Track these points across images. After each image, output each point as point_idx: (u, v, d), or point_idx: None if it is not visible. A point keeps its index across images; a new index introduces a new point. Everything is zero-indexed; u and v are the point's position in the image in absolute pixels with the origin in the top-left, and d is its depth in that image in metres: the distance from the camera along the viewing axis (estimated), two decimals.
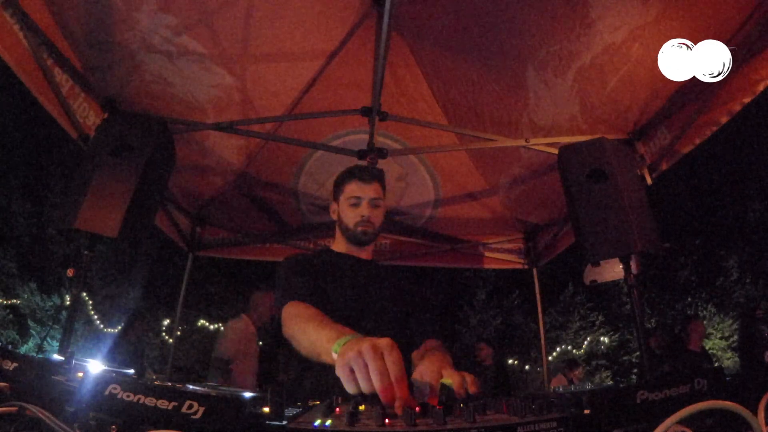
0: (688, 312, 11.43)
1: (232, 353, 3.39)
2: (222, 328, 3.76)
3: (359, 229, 1.51)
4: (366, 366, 0.73)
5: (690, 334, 4.26)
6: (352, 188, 1.53)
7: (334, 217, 1.62)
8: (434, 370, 0.93)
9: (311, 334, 1.08)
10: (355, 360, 0.75)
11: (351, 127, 2.96)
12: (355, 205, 1.52)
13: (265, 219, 3.79)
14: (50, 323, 8.79)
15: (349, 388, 0.76)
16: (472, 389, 0.86)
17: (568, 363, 6.28)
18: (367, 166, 1.66)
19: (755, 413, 0.56)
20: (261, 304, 3.66)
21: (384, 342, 0.76)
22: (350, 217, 1.52)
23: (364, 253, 1.59)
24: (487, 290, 12.36)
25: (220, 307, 10.44)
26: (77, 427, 0.59)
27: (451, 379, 0.88)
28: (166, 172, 2.14)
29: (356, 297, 1.46)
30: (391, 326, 1.44)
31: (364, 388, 0.73)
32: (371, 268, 1.58)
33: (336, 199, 1.60)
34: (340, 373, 0.77)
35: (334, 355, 0.85)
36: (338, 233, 1.62)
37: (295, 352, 1.20)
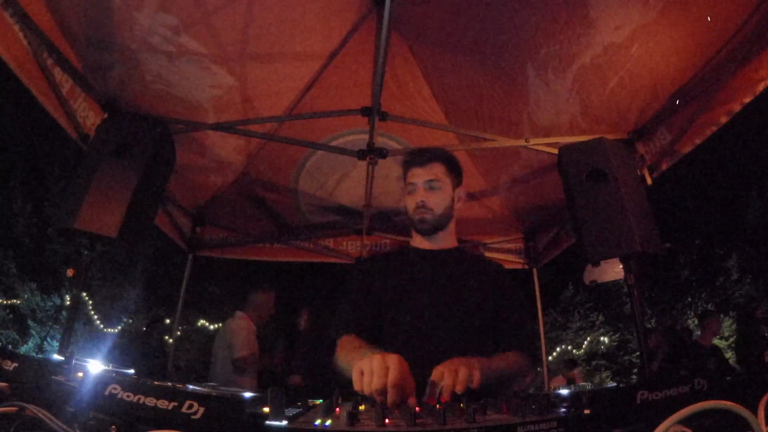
0: (688, 312, 11.44)
1: (249, 353, 3.35)
2: (224, 327, 3.64)
3: (416, 217, 1.45)
4: (372, 371, 0.86)
5: (704, 329, 4.29)
6: (410, 174, 1.47)
7: (405, 209, 1.55)
8: (439, 371, 0.94)
9: (350, 358, 1.18)
10: (365, 365, 0.89)
11: (351, 127, 2.96)
12: (411, 192, 1.46)
13: (265, 219, 3.79)
14: (50, 323, 8.79)
15: (355, 386, 0.89)
16: (456, 387, 0.89)
17: (566, 363, 6.29)
18: (427, 148, 1.53)
19: (755, 413, 0.56)
20: (262, 304, 3.61)
21: (393, 356, 0.89)
22: (409, 205, 1.48)
23: (442, 243, 1.49)
24: None
25: (220, 307, 10.44)
26: (77, 427, 0.59)
27: (445, 379, 0.90)
28: (166, 172, 2.14)
29: (416, 296, 1.39)
30: (457, 323, 1.35)
31: (365, 389, 0.86)
32: (445, 259, 1.47)
33: (403, 189, 1.55)
34: (353, 374, 0.91)
35: None
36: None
37: None
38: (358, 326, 1.36)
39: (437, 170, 1.46)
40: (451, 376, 0.91)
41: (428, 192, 1.44)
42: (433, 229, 1.46)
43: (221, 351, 3.43)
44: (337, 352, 1.31)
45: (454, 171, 1.51)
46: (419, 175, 1.45)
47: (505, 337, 1.39)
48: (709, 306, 11.42)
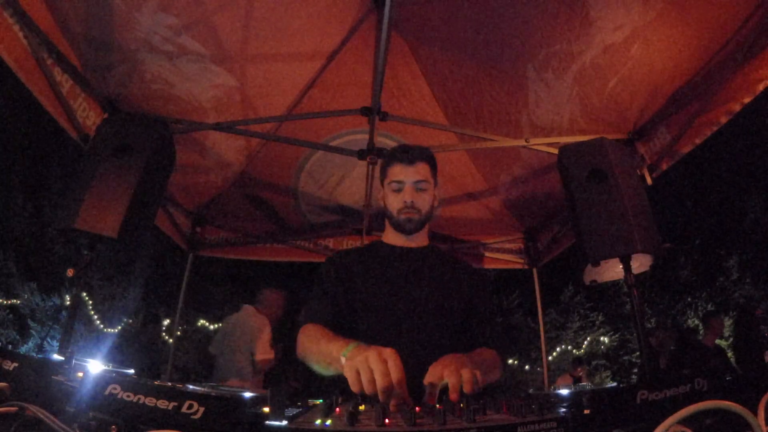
0: (688, 312, 11.44)
1: (271, 356, 3.30)
2: (239, 321, 3.51)
3: (402, 216, 1.42)
4: (371, 370, 0.81)
5: (707, 330, 4.31)
6: (395, 172, 1.43)
7: (381, 203, 1.53)
8: (438, 371, 0.93)
9: (322, 347, 1.14)
10: (361, 364, 0.83)
11: (351, 127, 2.96)
12: (398, 191, 1.42)
13: (265, 219, 3.79)
14: (50, 323, 8.79)
15: (354, 387, 0.84)
16: (465, 388, 0.86)
17: (573, 362, 6.33)
18: (411, 146, 1.49)
19: (755, 413, 0.56)
20: (274, 303, 3.54)
21: (388, 351, 0.85)
22: (393, 203, 1.44)
23: (416, 241, 1.49)
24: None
25: (220, 307, 10.44)
26: (77, 427, 0.59)
27: (448, 379, 0.89)
28: (166, 172, 2.14)
29: (393, 292, 1.38)
30: (434, 320, 1.35)
31: (367, 389, 0.81)
32: (420, 257, 1.47)
33: (381, 184, 1.51)
34: (347, 373, 0.86)
35: (343, 360, 0.94)
36: (386, 222, 1.53)
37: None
38: (324, 317, 1.34)
39: (424, 170, 1.45)
40: (455, 376, 0.88)
41: (417, 192, 1.42)
42: (417, 229, 1.46)
43: (236, 345, 3.28)
44: (300, 339, 1.28)
45: (436, 172, 1.51)
46: (407, 174, 1.42)
47: (480, 334, 1.39)
48: (709, 306, 11.41)
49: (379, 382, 0.79)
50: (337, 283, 1.42)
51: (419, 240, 1.51)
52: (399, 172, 1.43)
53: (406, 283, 1.40)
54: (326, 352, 1.10)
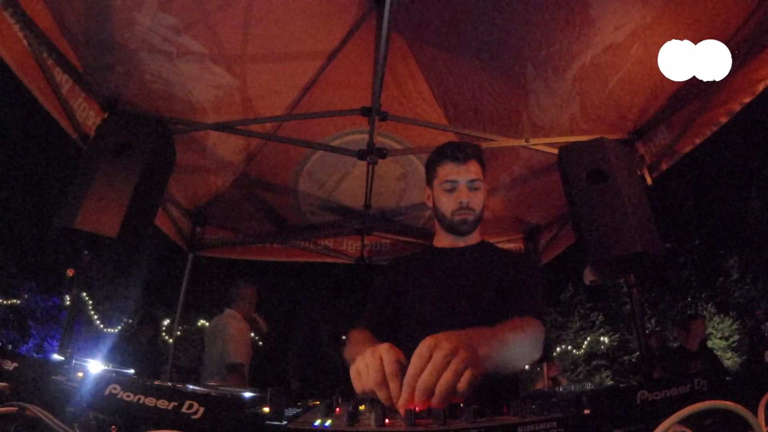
0: (689, 312, 11.44)
1: (244, 356, 3.29)
2: (217, 325, 3.58)
3: (457, 218, 1.36)
4: (366, 366, 0.82)
5: (687, 333, 4.30)
6: (446, 171, 1.36)
7: (429, 204, 1.46)
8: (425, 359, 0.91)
9: (352, 355, 1.18)
10: (360, 364, 0.85)
11: (351, 127, 2.96)
12: (451, 191, 1.36)
13: (265, 219, 3.79)
14: (50, 323, 8.80)
15: (356, 387, 0.85)
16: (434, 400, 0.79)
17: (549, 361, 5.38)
18: (461, 143, 1.41)
19: (755, 413, 0.56)
20: (250, 298, 3.57)
21: (383, 347, 0.84)
22: (446, 204, 1.38)
23: (467, 240, 1.44)
24: None
25: (220, 307, 10.47)
26: (77, 427, 0.59)
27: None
28: (166, 172, 2.14)
29: (432, 296, 1.36)
30: (479, 315, 1.29)
31: (365, 385, 0.82)
32: (465, 256, 1.42)
33: (429, 183, 1.44)
34: (351, 378, 0.87)
35: None
36: (436, 223, 1.48)
37: None
38: (372, 322, 1.37)
39: (477, 169, 1.38)
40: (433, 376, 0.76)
41: (471, 192, 1.36)
42: (471, 230, 1.42)
43: (214, 350, 3.34)
44: (348, 344, 1.30)
45: (485, 169, 1.45)
46: (460, 173, 1.35)
47: (510, 308, 1.26)
48: (709, 306, 11.42)
49: (372, 377, 0.79)
50: (387, 292, 1.43)
51: (470, 238, 1.46)
52: (451, 171, 1.36)
53: (449, 283, 1.37)
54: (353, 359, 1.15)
